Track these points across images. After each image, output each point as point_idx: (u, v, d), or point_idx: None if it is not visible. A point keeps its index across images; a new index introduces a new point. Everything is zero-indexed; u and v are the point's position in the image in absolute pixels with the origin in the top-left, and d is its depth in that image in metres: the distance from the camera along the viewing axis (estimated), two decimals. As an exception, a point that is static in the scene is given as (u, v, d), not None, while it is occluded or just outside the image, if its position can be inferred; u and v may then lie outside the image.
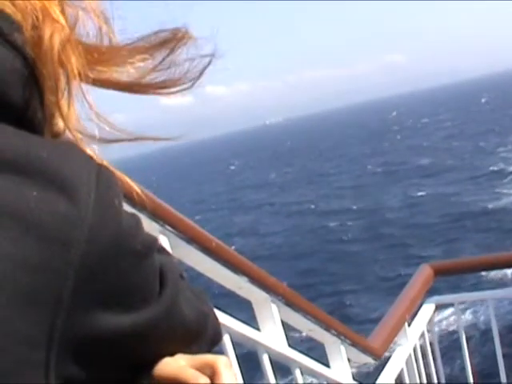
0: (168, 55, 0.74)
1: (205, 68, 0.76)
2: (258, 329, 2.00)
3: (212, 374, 0.79)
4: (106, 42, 0.72)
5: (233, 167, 75.78)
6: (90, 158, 0.66)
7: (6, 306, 0.56)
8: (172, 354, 0.80)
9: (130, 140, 0.76)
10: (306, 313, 2.19)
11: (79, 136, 0.72)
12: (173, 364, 0.79)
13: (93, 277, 0.62)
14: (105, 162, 0.69)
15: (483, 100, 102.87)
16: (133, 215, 0.69)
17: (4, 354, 0.56)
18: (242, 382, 1.54)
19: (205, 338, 0.87)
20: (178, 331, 0.79)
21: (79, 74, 0.69)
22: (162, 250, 0.86)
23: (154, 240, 0.72)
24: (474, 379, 3.86)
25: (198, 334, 0.85)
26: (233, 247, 1.91)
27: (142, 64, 0.73)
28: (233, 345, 1.76)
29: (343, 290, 18.62)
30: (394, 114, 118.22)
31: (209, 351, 0.89)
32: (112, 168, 0.69)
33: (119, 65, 0.72)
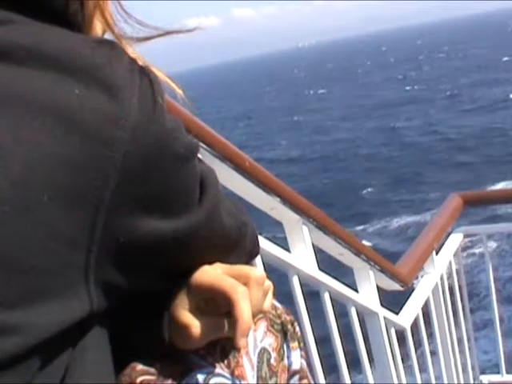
0: None
1: None
2: (289, 250, 1.99)
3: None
4: None
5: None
6: (133, 58, 0.64)
7: (48, 204, 0.54)
8: (210, 263, 0.79)
9: (161, 35, 0.75)
10: (336, 236, 2.17)
11: (120, 37, 0.71)
12: (211, 272, 0.78)
13: (135, 178, 0.60)
14: (148, 63, 0.67)
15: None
16: (175, 118, 0.66)
17: (45, 252, 0.55)
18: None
19: (243, 248, 0.86)
20: (217, 239, 0.77)
21: None
22: (200, 159, 0.84)
23: (196, 145, 0.70)
24: (498, 308, 3.88)
25: (237, 243, 0.83)
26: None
27: None
28: (263, 265, 1.75)
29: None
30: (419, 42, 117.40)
31: (247, 262, 0.88)
32: (155, 68, 0.67)
33: None
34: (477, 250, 10.69)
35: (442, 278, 3.40)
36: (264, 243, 1.77)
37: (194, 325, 0.75)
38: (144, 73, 0.63)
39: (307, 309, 2.01)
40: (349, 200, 21.06)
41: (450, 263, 3.57)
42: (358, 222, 18.41)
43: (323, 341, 2.19)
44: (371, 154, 28.06)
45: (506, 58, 57.51)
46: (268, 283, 0.82)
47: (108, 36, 0.71)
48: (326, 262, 2.27)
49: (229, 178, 1.66)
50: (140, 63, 0.64)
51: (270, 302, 0.83)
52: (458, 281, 3.70)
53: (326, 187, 23.51)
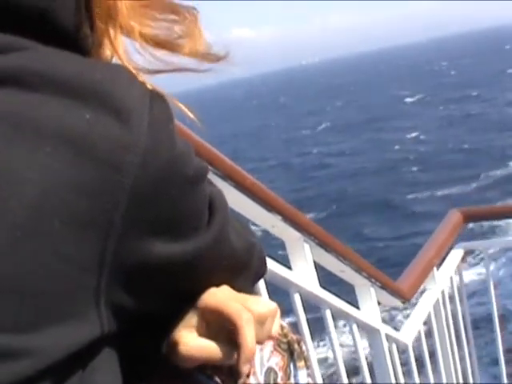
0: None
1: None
2: (290, 268, 1.99)
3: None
4: None
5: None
6: (142, 82, 0.65)
7: (59, 229, 0.55)
8: (218, 285, 0.79)
9: (172, 71, 0.75)
10: (337, 254, 2.18)
11: (129, 64, 0.71)
12: (218, 295, 0.78)
13: (145, 202, 0.61)
14: (157, 88, 0.68)
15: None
16: (185, 141, 0.67)
17: (56, 276, 0.55)
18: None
19: (251, 269, 0.86)
20: (225, 261, 0.77)
21: (126, 7, 0.68)
22: (208, 180, 0.84)
23: (206, 167, 0.70)
24: (499, 323, 3.87)
25: (245, 264, 0.84)
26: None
27: (170, 25, 0.72)
28: (265, 283, 1.75)
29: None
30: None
31: (254, 283, 0.88)
32: (164, 93, 0.68)
33: (154, 17, 0.71)
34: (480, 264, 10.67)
35: (443, 294, 3.40)
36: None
37: (184, 343, 0.75)
38: (154, 97, 0.64)
39: (309, 326, 2.01)
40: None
41: (451, 279, 3.57)
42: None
43: (325, 357, 2.19)
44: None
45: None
46: (275, 307, 0.82)
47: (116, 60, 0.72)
48: (327, 278, 2.27)
49: (230, 196, 1.66)
50: (149, 87, 0.65)
51: (277, 326, 0.83)
52: (460, 296, 3.69)
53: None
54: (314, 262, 2.07)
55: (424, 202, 21.60)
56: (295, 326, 1.95)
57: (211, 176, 1.57)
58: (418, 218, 19.27)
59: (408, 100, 54.91)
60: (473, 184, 22.67)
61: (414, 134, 35.76)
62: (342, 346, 2.25)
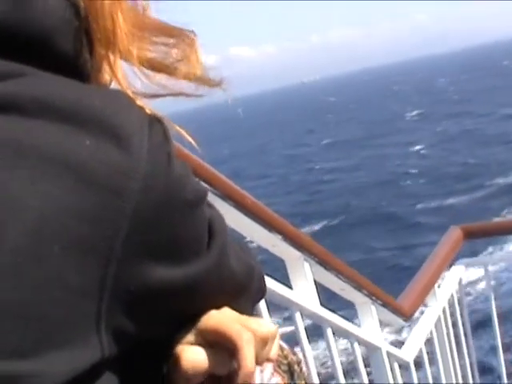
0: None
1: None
2: (291, 287, 1.99)
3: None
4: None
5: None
6: (141, 107, 0.66)
7: (60, 254, 0.55)
8: (219, 308, 0.79)
9: (169, 95, 0.75)
10: (338, 272, 2.18)
11: (128, 89, 0.72)
12: (218, 316, 0.78)
13: (145, 227, 0.61)
14: (155, 112, 0.69)
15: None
16: (184, 164, 0.67)
17: (57, 301, 0.56)
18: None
19: (251, 292, 0.86)
20: (226, 283, 0.77)
21: (125, 32, 0.69)
22: (207, 202, 0.85)
23: (205, 190, 0.71)
24: (501, 339, 3.86)
25: (245, 287, 0.84)
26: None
27: (166, 48, 0.73)
28: (266, 302, 1.76)
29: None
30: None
31: (254, 305, 0.89)
32: (162, 117, 0.68)
33: (151, 40, 0.72)
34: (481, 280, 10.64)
35: (444, 311, 3.39)
36: (266, 280, 1.77)
37: (185, 358, 0.74)
38: (152, 122, 0.64)
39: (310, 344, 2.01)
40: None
41: (452, 296, 3.56)
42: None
43: (327, 375, 2.19)
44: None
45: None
46: (275, 329, 0.82)
47: (115, 84, 0.72)
48: (328, 295, 2.28)
49: (230, 216, 1.67)
50: (147, 111, 0.66)
51: (276, 349, 0.83)
52: (461, 313, 3.69)
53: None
54: (315, 281, 2.07)
55: (427, 212, 21.67)
56: (296, 342, 1.95)
57: (211, 196, 1.58)
58: (422, 228, 19.34)
59: (408, 115, 55.55)
60: (476, 194, 22.76)
61: (415, 148, 36.00)
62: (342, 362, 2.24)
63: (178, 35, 0.74)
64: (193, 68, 0.74)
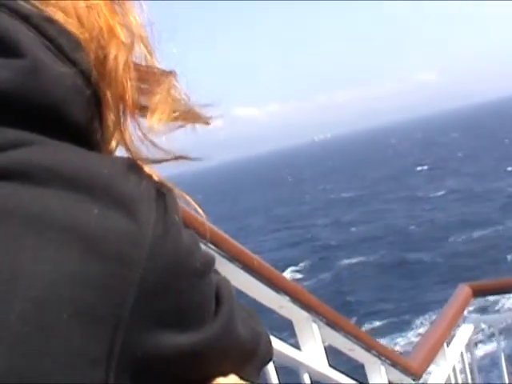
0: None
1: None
2: (299, 348, 1.98)
3: None
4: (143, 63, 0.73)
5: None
6: (149, 175, 0.66)
7: (68, 322, 0.56)
8: (225, 374, 0.79)
9: (172, 159, 0.75)
10: (346, 332, 2.17)
11: (136, 154, 0.73)
12: None
13: (153, 295, 0.62)
14: (163, 180, 0.69)
15: None
16: (191, 232, 0.68)
17: (65, 369, 0.56)
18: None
19: (257, 358, 0.86)
20: (233, 350, 0.78)
21: (132, 97, 0.69)
22: (215, 270, 0.85)
23: (212, 258, 0.72)
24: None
25: (252, 353, 0.84)
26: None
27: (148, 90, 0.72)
28: (274, 363, 1.74)
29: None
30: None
31: (260, 370, 0.88)
32: (170, 185, 0.69)
33: (156, 89, 0.72)
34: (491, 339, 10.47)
35: (454, 370, 3.35)
36: (274, 342, 1.76)
37: None
38: (160, 190, 0.65)
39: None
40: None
41: (462, 355, 3.52)
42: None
43: None
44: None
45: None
46: None
47: (120, 150, 0.72)
48: (336, 353, 2.26)
49: (237, 277, 1.67)
50: (155, 179, 0.67)
51: None
52: (471, 372, 3.64)
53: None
54: (323, 341, 2.06)
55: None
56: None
57: (218, 258, 1.58)
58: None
59: (418, 169, 57.36)
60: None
61: (425, 205, 36.25)
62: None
63: (157, 78, 0.73)
64: (167, 110, 0.72)
